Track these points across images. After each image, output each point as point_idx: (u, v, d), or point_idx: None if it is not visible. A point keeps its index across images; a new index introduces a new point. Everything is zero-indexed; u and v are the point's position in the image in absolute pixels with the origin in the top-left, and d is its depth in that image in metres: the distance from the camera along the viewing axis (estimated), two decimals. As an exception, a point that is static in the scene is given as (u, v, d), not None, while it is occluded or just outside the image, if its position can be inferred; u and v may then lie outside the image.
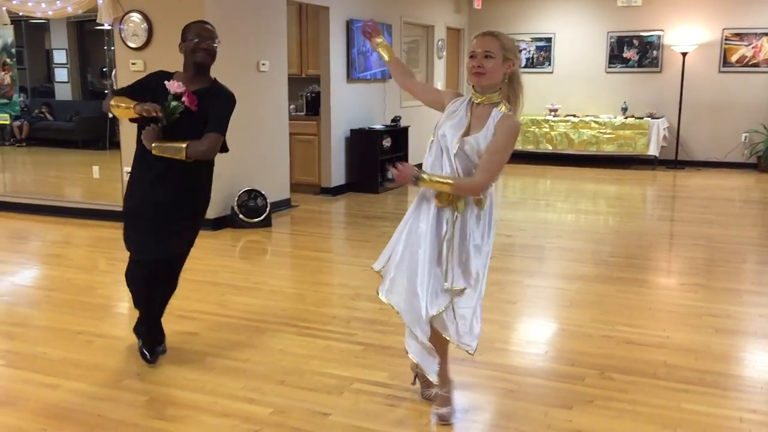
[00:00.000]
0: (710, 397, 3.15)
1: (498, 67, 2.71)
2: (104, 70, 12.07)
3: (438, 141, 2.86)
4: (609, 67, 11.21)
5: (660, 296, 4.80)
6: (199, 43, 3.45)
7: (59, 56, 13.11)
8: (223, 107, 3.48)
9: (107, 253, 5.98)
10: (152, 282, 3.50)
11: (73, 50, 12.39)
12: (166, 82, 3.29)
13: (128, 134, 6.72)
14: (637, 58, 11.04)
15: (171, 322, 4.08)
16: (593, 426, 2.90)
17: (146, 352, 3.53)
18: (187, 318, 4.19)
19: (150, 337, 3.57)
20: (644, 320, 4.19)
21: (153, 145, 3.29)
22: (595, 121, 10.85)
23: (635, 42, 11.02)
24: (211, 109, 3.37)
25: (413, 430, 2.93)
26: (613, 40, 11.12)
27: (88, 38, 12.16)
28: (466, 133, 2.78)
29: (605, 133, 10.76)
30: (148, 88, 3.39)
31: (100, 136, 8.28)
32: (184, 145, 3.26)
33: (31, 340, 3.84)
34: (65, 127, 11.71)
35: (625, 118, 10.75)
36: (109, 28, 6.71)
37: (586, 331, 3.98)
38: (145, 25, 6.41)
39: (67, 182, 9.07)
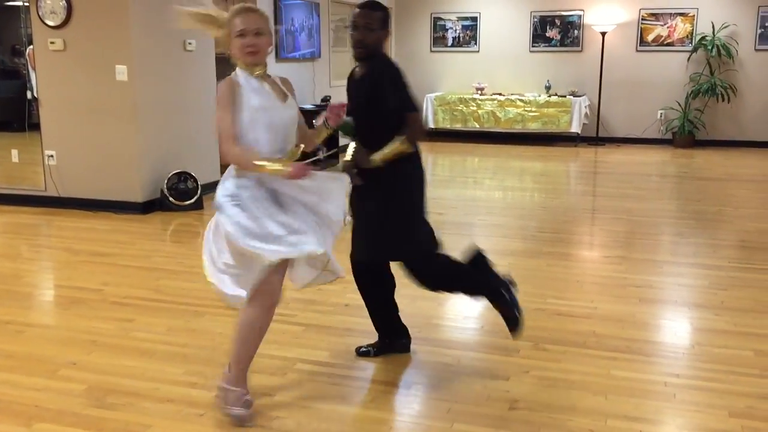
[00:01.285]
0: (637, 364, 3.33)
1: (268, 43, 2.78)
2: (17, 47, 11.55)
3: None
4: (533, 47, 11.45)
5: (586, 269, 5.01)
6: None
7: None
8: (390, 84, 3.07)
9: (30, 240, 5.79)
10: None
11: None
12: (323, 117, 2.95)
13: (49, 116, 6.49)
14: (559, 37, 11.32)
15: (105, 310, 4.02)
16: (530, 395, 3.03)
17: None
18: (122, 304, 4.11)
19: None
20: (573, 292, 4.37)
21: (373, 159, 3.04)
22: (520, 100, 11.09)
23: (557, 22, 11.29)
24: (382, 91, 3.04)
25: (357, 407, 2.99)
26: (536, 20, 11.36)
27: (0, 16, 11.60)
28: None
29: (530, 111, 11.02)
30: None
31: (15, 118, 7.92)
32: (398, 142, 3.03)
33: (-44, 333, 3.71)
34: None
35: (549, 96, 11.04)
36: (24, 5, 6.42)
37: (520, 305, 4.11)
38: (63, 3, 6.16)
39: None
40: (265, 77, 2.82)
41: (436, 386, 3.15)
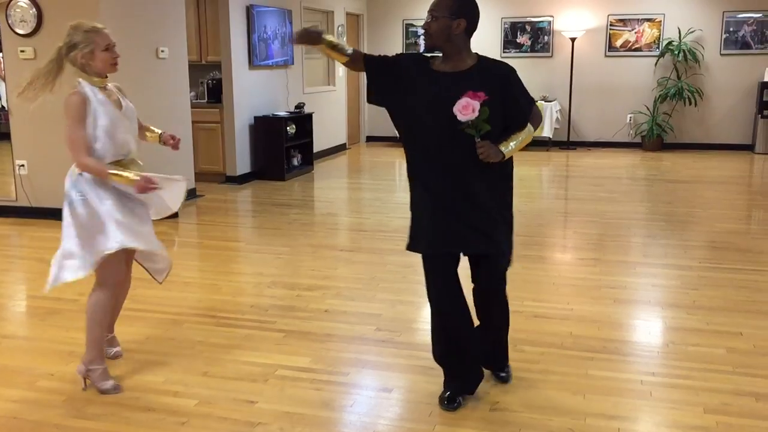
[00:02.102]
0: (613, 363, 3.40)
1: None
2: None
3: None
4: (504, 52, 11.57)
5: (562, 271, 5.08)
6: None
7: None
8: (517, 88, 2.94)
9: (2, 251, 5.72)
10: None
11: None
12: (456, 108, 2.67)
13: (19, 125, 6.40)
14: (529, 43, 11.46)
15: (82, 320, 3.97)
16: (509, 396, 3.07)
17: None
18: (99, 314, 4.07)
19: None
20: (549, 294, 4.43)
21: (503, 151, 2.82)
22: (492, 105, 11.18)
23: (528, 28, 11.43)
24: (502, 97, 2.83)
25: (339, 412, 3.01)
26: (506, 26, 11.49)
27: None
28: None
29: (502, 117, 11.12)
30: (395, 70, 2.92)
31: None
32: (527, 133, 2.92)
33: (-70, 346, 3.65)
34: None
35: (521, 101, 11.14)
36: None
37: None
38: (33, 11, 6.10)
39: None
40: (105, 88, 3.16)
41: (417, 389, 3.17)
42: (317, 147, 9.85)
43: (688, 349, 3.56)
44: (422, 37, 2.91)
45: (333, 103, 10.90)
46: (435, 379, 3.24)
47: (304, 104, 9.34)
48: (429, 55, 2.96)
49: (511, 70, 2.94)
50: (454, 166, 2.84)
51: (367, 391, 3.18)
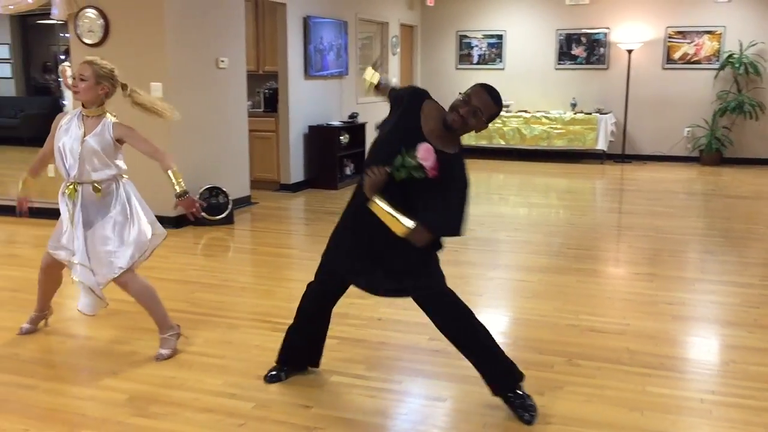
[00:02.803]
0: (672, 380, 3.34)
1: (91, 88, 3.48)
2: (48, 65, 11.81)
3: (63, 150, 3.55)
4: (558, 64, 11.49)
5: (617, 285, 5.02)
6: (460, 105, 2.87)
7: (2, 51, 12.77)
8: (453, 180, 2.85)
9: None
10: None
11: (16, 45, 12.08)
12: (419, 145, 2.78)
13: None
14: (585, 55, 11.35)
15: (143, 321, 4.09)
16: (565, 410, 3.05)
17: None
18: (159, 316, 4.19)
19: None
20: (605, 309, 4.38)
21: (376, 199, 2.80)
22: (546, 117, 11.12)
23: (583, 39, 11.32)
24: (442, 187, 2.81)
25: (393, 419, 3.03)
26: (561, 37, 11.40)
27: (31, 33, 11.87)
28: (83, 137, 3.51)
29: (556, 129, 11.04)
30: (400, 102, 3.09)
31: (46, 134, 8.11)
32: (410, 226, 2.76)
33: (1, 342, 3.80)
34: (9, 124, 11.43)
35: (575, 113, 11.05)
36: (57, 23, 6.59)
37: (551, 321, 4.14)
38: (101, 21, 6.32)
39: (12, 181, 8.85)
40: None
41: (470, 399, 3.17)
42: (369, 157, 9.91)
43: (750, 368, 3.47)
44: (453, 116, 2.88)
45: (386, 113, 10.93)
46: (487, 389, 3.24)
47: (357, 114, 9.44)
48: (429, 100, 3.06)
49: (466, 185, 2.90)
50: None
51: (421, 399, 3.20)
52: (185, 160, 6.62)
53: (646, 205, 7.86)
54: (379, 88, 3.15)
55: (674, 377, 3.38)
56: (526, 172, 10.46)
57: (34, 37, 12.00)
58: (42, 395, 3.18)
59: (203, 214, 6.48)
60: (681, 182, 9.49)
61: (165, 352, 3.59)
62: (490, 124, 3.01)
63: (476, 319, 3.10)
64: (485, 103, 2.88)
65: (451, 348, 3.71)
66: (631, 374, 3.40)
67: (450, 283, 4.94)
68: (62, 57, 7.61)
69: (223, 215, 6.67)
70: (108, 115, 3.58)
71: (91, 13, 6.34)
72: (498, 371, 3.06)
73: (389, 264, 2.96)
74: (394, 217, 2.77)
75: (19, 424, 2.92)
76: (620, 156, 11.19)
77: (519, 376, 3.05)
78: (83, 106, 3.53)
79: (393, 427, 2.97)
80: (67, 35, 6.62)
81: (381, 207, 2.78)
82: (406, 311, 4.30)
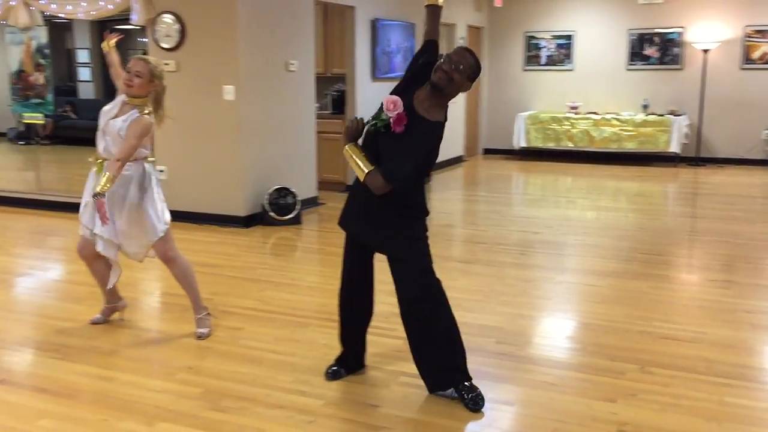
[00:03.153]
0: (752, 391, 3.22)
1: (144, 85, 3.71)
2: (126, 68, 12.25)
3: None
4: (630, 65, 11.22)
5: (692, 292, 4.87)
6: (443, 63, 2.99)
7: (82, 56, 13.31)
8: (417, 137, 2.98)
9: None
10: None
11: (96, 50, 12.57)
12: (387, 96, 3.01)
13: (161, 133, 6.83)
14: (658, 55, 11.05)
15: (216, 318, 4.20)
16: (638, 419, 2.98)
17: None
18: (231, 313, 4.29)
19: None
20: (679, 316, 4.26)
21: (347, 145, 3.06)
22: (616, 119, 10.88)
23: (656, 39, 11.03)
24: (404, 137, 2.97)
25: (461, 422, 3.02)
26: (633, 37, 11.14)
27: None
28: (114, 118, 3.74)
29: (626, 131, 10.79)
30: (415, 61, 3.23)
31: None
32: (366, 170, 2.98)
33: (82, 335, 3.96)
34: (89, 126, 11.89)
35: (647, 115, 10.78)
36: (135, 28, 6.82)
37: (623, 327, 4.05)
38: (177, 26, 6.51)
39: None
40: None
41: (540, 404, 3.13)
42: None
43: (836, 381, 3.32)
44: (438, 74, 2.99)
45: (452, 114, 10.86)
46: (559, 396, 3.20)
47: (423, 116, 9.42)
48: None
49: (426, 147, 3.04)
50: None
51: (489, 403, 3.17)
52: (255, 160, 6.77)
53: (721, 210, 7.60)
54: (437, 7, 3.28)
55: (755, 388, 3.25)
56: (594, 175, 10.26)
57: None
58: (120, 387, 3.29)
59: (271, 213, 6.65)
60: (759, 186, 9.13)
61: (204, 330, 3.91)
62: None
63: (444, 311, 3.18)
64: (466, 60, 3.01)
65: (519, 352, 3.69)
66: (708, 384, 3.29)
67: (517, 286, 4.92)
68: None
69: (292, 215, 6.78)
70: (144, 109, 3.74)
71: (168, 18, 6.54)
72: (435, 369, 3.17)
73: (377, 223, 3.14)
74: (356, 162, 3.02)
75: (98, 414, 3.03)
76: (694, 159, 10.86)
77: (460, 379, 3.15)
78: (128, 95, 3.74)
79: (460, 430, 2.96)
80: (144, 40, 6.85)
81: (350, 153, 3.05)
82: (472, 313, 4.29)
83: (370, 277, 3.33)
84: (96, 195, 3.50)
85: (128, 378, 3.39)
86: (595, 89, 11.43)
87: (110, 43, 4.25)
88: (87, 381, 3.37)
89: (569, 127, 11.13)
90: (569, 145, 11.21)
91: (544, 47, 11.64)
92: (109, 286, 3.97)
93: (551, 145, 11.30)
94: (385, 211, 3.10)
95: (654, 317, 4.20)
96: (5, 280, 5.13)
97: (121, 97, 3.80)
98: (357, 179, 3.12)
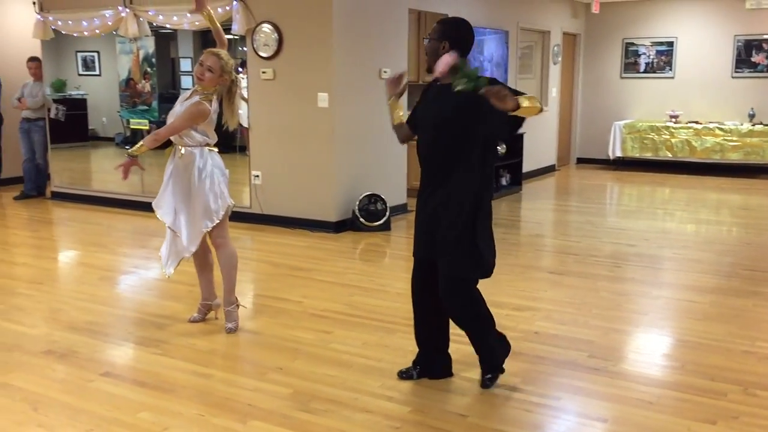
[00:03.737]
0: None
1: (214, 79, 3.92)
2: (224, 77, 12.71)
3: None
4: (735, 72, 10.73)
5: (801, 313, 4.59)
6: (425, 49, 3.33)
7: (185, 64, 13.88)
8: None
9: (237, 252, 6.28)
10: None
11: (197, 59, 13.11)
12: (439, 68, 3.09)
13: (257, 140, 7.06)
14: (766, 62, 10.51)
15: (305, 321, 4.29)
16: (741, 443, 2.83)
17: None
18: (320, 317, 4.37)
19: None
20: (787, 337, 4.02)
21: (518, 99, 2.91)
22: (719, 128, 10.42)
23: (765, 46, 10.50)
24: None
25: (551, 436, 2.96)
26: (740, 44, 10.64)
27: (211, 47, 12.83)
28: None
29: (730, 141, 10.31)
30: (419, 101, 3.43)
31: (221, 141, 8.69)
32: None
33: (180, 332, 4.12)
34: (190, 132, 12.42)
35: (753, 125, 10.27)
36: (235, 37, 7.05)
37: (725, 346, 3.86)
38: (275, 36, 6.70)
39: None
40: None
41: (634, 423, 3.03)
42: (526, 167, 9.77)
43: None
44: (428, 61, 3.25)
45: (544, 123, 10.76)
46: (656, 415, 3.09)
47: (515, 124, 9.31)
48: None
49: (493, 81, 3.06)
50: (433, 172, 3.23)
51: (581, 418, 3.09)
52: (347, 167, 6.87)
53: (835, 226, 7.13)
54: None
55: None
56: (695, 186, 9.85)
57: (212, 51, 12.98)
58: (216, 384, 3.40)
59: (361, 219, 6.72)
60: None
61: (233, 325, 4.11)
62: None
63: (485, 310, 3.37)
64: (435, 30, 3.20)
65: (612, 367, 3.58)
66: (818, 410, 3.10)
67: (610, 300, 4.78)
68: (239, 69, 8.14)
69: (381, 222, 6.83)
70: (209, 98, 3.92)
71: (266, 28, 6.75)
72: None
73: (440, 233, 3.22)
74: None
75: (195, 409, 3.14)
76: (805, 171, 10.26)
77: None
78: (199, 87, 3.95)
79: (550, 444, 2.89)
80: (244, 48, 7.08)
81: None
82: (565, 326, 4.20)
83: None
84: (129, 155, 3.90)
85: (223, 375, 3.50)
86: (697, 97, 10.98)
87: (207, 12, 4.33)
88: (184, 377, 3.50)
89: (668, 137, 10.74)
90: (668, 156, 10.81)
91: (644, 54, 11.28)
92: (168, 269, 4.15)
93: (648, 155, 10.93)
94: (450, 226, 3.22)
95: (759, 336, 3.98)
96: (110, 277, 5.40)
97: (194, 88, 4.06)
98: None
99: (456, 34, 3.20)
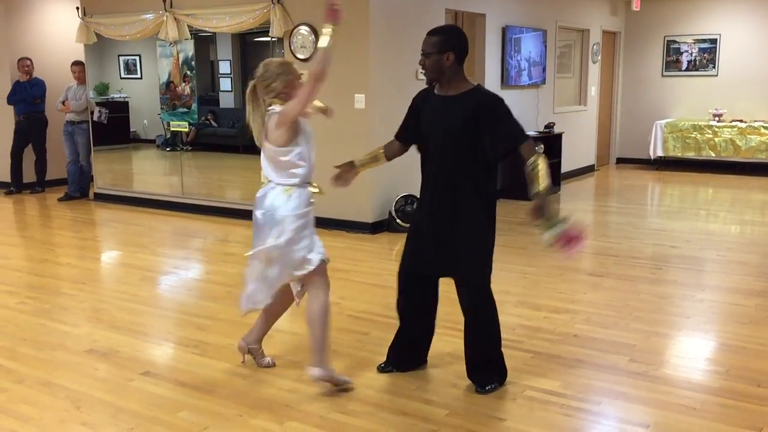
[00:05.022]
0: None
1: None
2: (263, 79, 12.85)
3: None
4: (781, 69, 10.46)
5: None
6: (420, 63, 3.41)
7: (224, 67, 14.03)
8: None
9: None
10: None
11: (236, 61, 13.21)
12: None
13: (294, 141, 7.09)
14: (814, 58, 10.23)
15: (343, 321, 4.30)
16: (789, 451, 2.75)
17: None
18: (358, 318, 4.37)
19: None
20: (836, 342, 3.90)
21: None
22: (765, 127, 10.16)
23: (813, 41, 10.22)
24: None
25: (591, 441, 2.91)
26: (786, 39, 10.37)
27: (250, 50, 12.96)
28: None
29: (777, 140, 10.06)
30: (414, 113, 3.47)
31: (248, 143, 8.78)
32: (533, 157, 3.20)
33: (219, 332, 4.16)
34: (228, 133, 12.53)
35: (800, 123, 10.00)
36: (273, 40, 7.10)
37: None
38: (312, 38, 6.73)
39: (230, 185, 9.66)
40: None
41: (677, 429, 2.96)
42: (565, 167, 9.66)
43: None
44: (422, 72, 3.28)
45: (583, 122, 10.63)
46: (699, 421, 3.02)
47: (554, 124, 9.23)
48: (435, 84, 3.30)
49: (500, 102, 3.16)
50: (441, 183, 3.22)
51: (622, 424, 3.04)
52: (383, 168, 6.82)
53: None
54: (373, 161, 3.82)
55: None
56: (739, 186, 9.62)
57: (251, 53, 13.11)
58: (254, 384, 3.43)
59: (398, 220, 6.71)
60: None
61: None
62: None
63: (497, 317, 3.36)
64: (426, 42, 3.20)
65: (654, 372, 3.52)
66: None
67: (652, 303, 4.70)
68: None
69: (418, 223, 6.81)
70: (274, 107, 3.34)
71: (303, 30, 6.78)
72: (490, 367, 3.36)
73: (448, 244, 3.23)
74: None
75: (233, 409, 3.17)
76: None
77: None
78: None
79: (590, 450, 2.85)
80: (282, 51, 7.13)
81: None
82: (605, 329, 4.14)
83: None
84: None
85: (261, 376, 3.53)
86: (742, 96, 10.73)
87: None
88: (223, 377, 3.53)
89: (711, 136, 10.51)
90: (711, 155, 10.58)
91: (686, 52, 11.06)
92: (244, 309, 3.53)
93: (691, 155, 10.72)
94: (467, 218, 3.25)
95: (807, 342, 3.87)
96: (151, 277, 5.48)
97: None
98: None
99: (459, 42, 3.21)
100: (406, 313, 3.52)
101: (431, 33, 3.22)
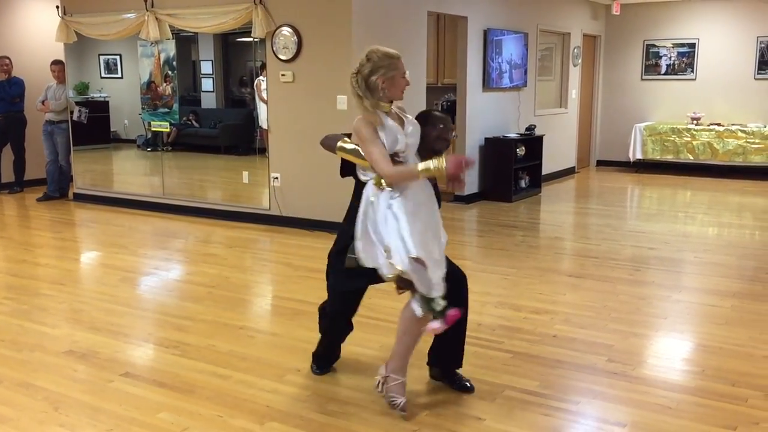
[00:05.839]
0: None
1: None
2: (244, 79, 12.79)
3: None
4: (758, 74, 10.60)
5: (825, 318, 4.52)
6: (443, 132, 3.20)
7: (206, 67, 13.97)
8: None
9: (256, 254, 6.34)
10: None
11: (218, 61, 13.17)
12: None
13: (276, 142, 7.09)
14: (790, 63, 10.39)
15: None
16: (762, 450, 2.80)
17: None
18: (339, 319, 4.37)
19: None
20: (809, 342, 3.97)
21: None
22: (741, 131, 10.30)
23: (788, 46, 10.38)
24: None
25: (570, 440, 2.94)
26: (763, 45, 10.52)
27: (231, 50, 12.93)
28: None
29: (753, 143, 10.20)
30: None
31: (241, 142, 8.77)
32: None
33: (200, 333, 4.15)
34: (210, 134, 12.48)
35: (776, 127, 10.15)
36: (255, 40, 7.09)
37: (746, 351, 3.82)
38: (295, 39, 6.73)
39: (212, 186, 9.63)
40: (390, 113, 3.05)
41: (654, 428, 3.00)
42: (545, 170, 9.73)
43: None
44: (441, 144, 3.23)
45: (564, 125, 10.71)
46: (675, 420, 3.06)
47: (534, 126, 9.29)
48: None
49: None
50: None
51: (600, 423, 3.08)
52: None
53: None
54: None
55: None
56: (716, 189, 9.74)
57: (233, 53, 13.07)
58: (234, 385, 3.43)
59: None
60: None
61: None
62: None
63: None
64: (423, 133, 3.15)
65: (632, 372, 3.56)
66: (841, 417, 3.05)
67: (630, 304, 4.76)
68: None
69: (400, 224, 6.82)
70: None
71: (286, 31, 6.78)
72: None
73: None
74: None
75: (213, 410, 3.17)
76: (830, 174, 10.12)
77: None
78: (387, 102, 3.08)
79: (568, 449, 2.88)
80: (264, 52, 7.12)
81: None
82: (584, 330, 4.18)
83: None
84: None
85: (241, 377, 3.52)
86: (719, 99, 10.88)
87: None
88: (203, 378, 3.52)
89: (690, 139, 10.64)
90: (689, 158, 10.71)
91: (665, 56, 11.19)
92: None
93: (669, 158, 10.84)
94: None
95: (781, 342, 3.94)
96: (131, 278, 5.46)
97: (383, 114, 3.05)
98: None
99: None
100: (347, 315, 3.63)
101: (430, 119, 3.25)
